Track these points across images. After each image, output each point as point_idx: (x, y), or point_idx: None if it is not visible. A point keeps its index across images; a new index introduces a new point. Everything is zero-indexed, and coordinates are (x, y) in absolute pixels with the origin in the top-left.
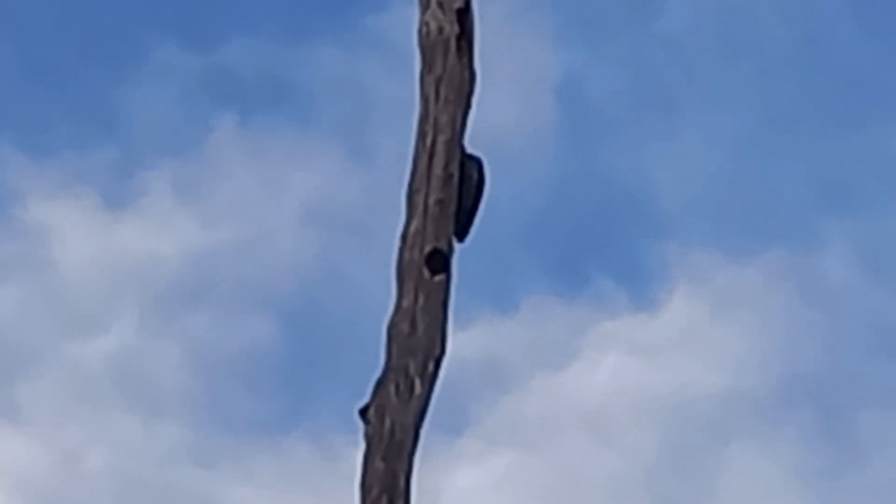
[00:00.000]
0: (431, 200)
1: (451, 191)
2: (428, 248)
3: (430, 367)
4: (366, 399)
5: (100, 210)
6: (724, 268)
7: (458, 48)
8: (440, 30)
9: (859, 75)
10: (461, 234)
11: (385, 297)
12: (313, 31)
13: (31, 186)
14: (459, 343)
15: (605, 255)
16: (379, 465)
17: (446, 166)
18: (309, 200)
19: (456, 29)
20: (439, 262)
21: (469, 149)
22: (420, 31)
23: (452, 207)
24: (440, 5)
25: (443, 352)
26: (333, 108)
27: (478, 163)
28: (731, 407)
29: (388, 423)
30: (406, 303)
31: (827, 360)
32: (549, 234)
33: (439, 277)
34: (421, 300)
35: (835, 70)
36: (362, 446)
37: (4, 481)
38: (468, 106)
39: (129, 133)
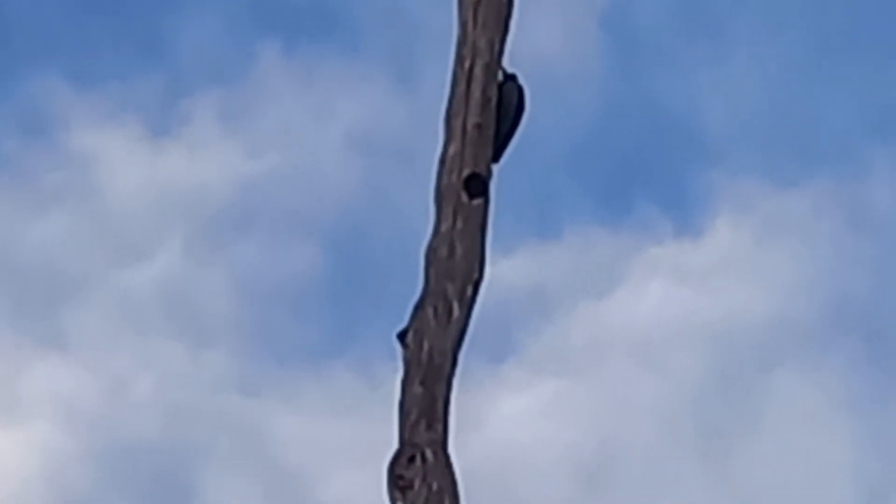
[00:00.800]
0: (470, 124)
1: (489, 115)
2: (466, 172)
3: (469, 291)
4: (404, 323)
5: (146, 138)
6: (771, 195)
7: None
8: None
9: None
10: (495, 156)
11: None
12: None
13: (77, 115)
14: (504, 269)
15: (651, 181)
16: (417, 389)
17: (484, 90)
18: (355, 128)
19: None
20: (478, 185)
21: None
22: None
23: (491, 131)
24: None
25: (481, 276)
26: (379, 35)
27: (518, 87)
28: (778, 333)
29: (426, 347)
30: (444, 227)
31: (874, 287)
32: (594, 161)
33: (478, 201)
34: (459, 224)
35: None
36: (401, 370)
37: (53, 409)
38: (506, 30)
39: (174, 61)
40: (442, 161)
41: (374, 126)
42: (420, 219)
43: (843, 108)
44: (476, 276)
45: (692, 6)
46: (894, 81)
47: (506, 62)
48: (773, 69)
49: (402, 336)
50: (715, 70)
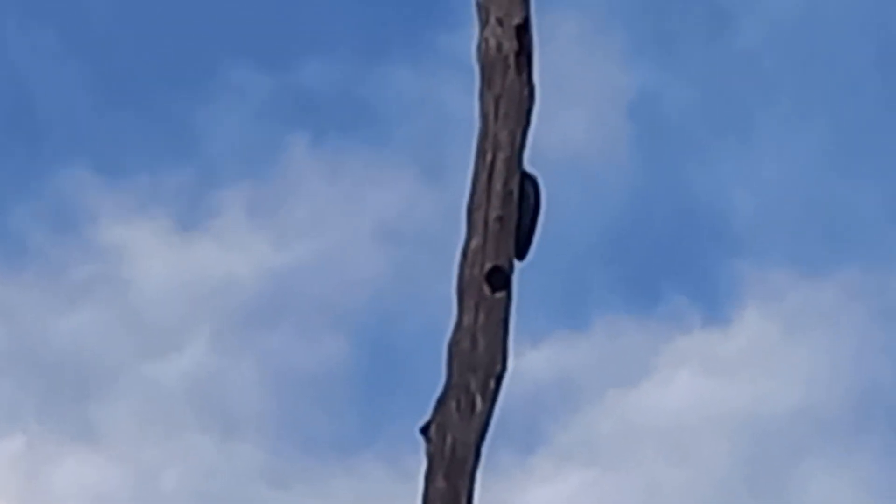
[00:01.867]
0: (491, 217)
1: (511, 208)
2: (488, 266)
3: (491, 384)
4: (427, 417)
5: (175, 231)
6: (798, 285)
7: (518, 65)
8: (499, 47)
9: None
10: (521, 253)
11: None
12: (387, 51)
13: (107, 208)
14: (533, 360)
15: (679, 271)
16: (441, 483)
17: (506, 183)
18: (383, 219)
19: (515, 45)
20: (500, 279)
21: (542, 165)
22: (479, 48)
23: (512, 225)
24: (499, 22)
25: (504, 369)
26: (407, 127)
27: (533, 181)
28: (805, 424)
29: (449, 440)
30: (467, 320)
31: None
32: (623, 251)
33: (500, 294)
34: (482, 317)
35: None
36: (424, 464)
37: (82, 501)
38: (528, 123)
39: (203, 154)
40: (464, 254)
41: (402, 217)
42: (448, 310)
43: (869, 197)
44: (499, 369)
45: (719, 96)
46: None
47: (536, 153)
48: (800, 159)
49: (425, 430)
50: (742, 160)
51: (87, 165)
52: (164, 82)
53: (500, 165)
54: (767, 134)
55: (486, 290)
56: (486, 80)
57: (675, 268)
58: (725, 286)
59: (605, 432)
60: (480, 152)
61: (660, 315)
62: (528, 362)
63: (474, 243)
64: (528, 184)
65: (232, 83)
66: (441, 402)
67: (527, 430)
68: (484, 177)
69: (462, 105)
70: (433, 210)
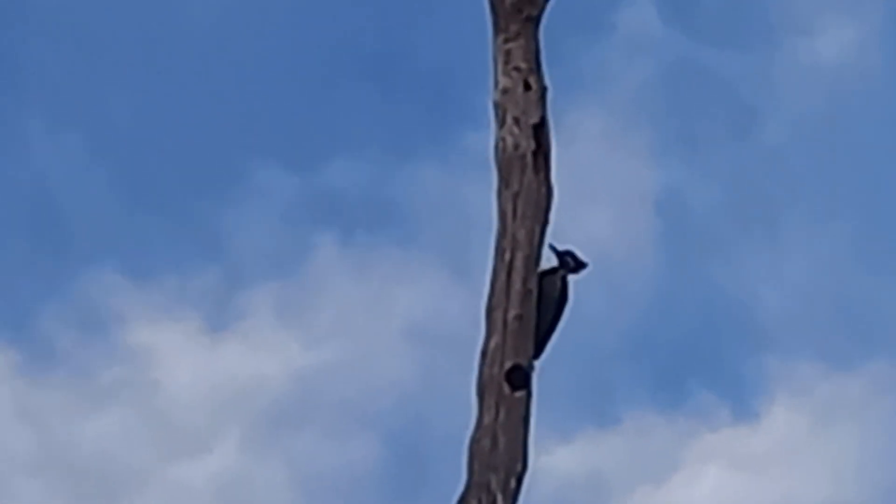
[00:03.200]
0: (510, 316)
1: (529, 306)
2: (508, 365)
3: (512, 483)
4: None
5: (203, 332)
6: (826, 380)
7: (535, 163)
8: (516, 146)
9: None
10: (537, 351)
11: None
12: (413, 150)
13: (135, 310)
14: (561, 457)
15: (706, 368)
16: None
17: (525, 282)
18: (412, 319)
19: (532, 144)
20: (520, 377)
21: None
22: (496, 147)
23: (532, 323)
24: (516, 121)
25: (525, 468)
26: (435, 227)
27: (562, 278)
28: None
29: None
30: (487, 419)
31: None
32: (650, 348)
33: (520, 393)
34: (502, 416)
35: None
36: None
37: None
38: (546, 221)
39: (230, 255)
40: (483, 353)
41: (430, 316)
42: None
43: None
44: (519, 468)
45: (744, 192)
46: None
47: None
48: (826, 255)
49: None
50: (768, 256)
51: (115, 267)
52: (190, 184)
53: (518, 264)
54: (793, 230)
55: (506, 388)
56: (503, 179)
57: (703, 364)
58: (753, 382)
59: None
60: (499, 251)
61: (688, 411)
62: (557, 459)
63: (494, 342)
64: (555, 278)
65: (258, 184)
66: (462, 500)
67: None
68: (503, 276)
69: (488, 203)
70: (461, 309)
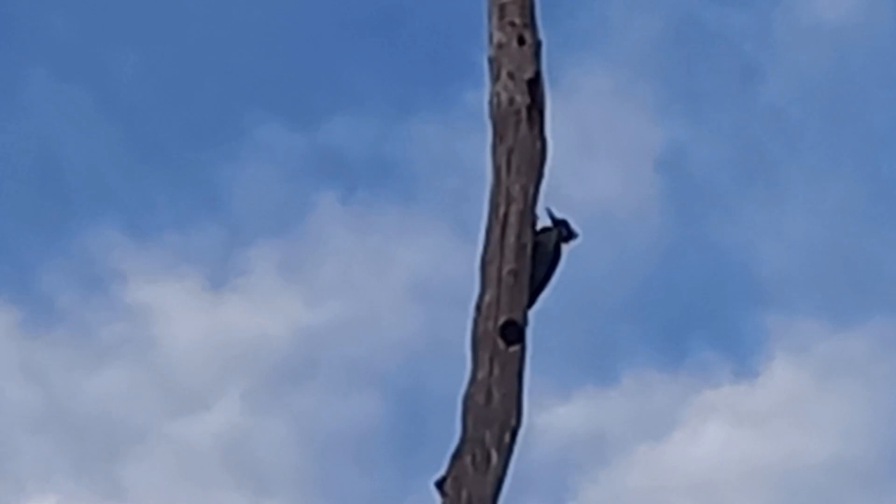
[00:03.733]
0: (505, 271)
1: (524, 261)
2: (502, 319)
3: (507, 438)
4: (443, 471)
5: (204, 290)
6: (828, 337)
7: (530, 118)
8: (511, 100)
9: None
10: (528, 303)
11: None
12: (414, 109)
13: (136, 268)
14: (562, 415)
15: (707, 325)
16: None
17: (519, 237)
18: (414, 276)
19: (527, 99)
20: (514, 332)
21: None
22: (491, 102)
23: (526, 278)
24: (511, 76)
25: (518, 423)
26: (436, 184)
27: (558, 234)
28: (837, 476)
29: (464, 494)
30: (481, 374)
31: None
32: (651, 306)
33: (514, 348)
34: (496, 371)
35: None
36: None
37: None
38: (540, 176)
39: (232, 213)
40: (478, 308)
41: (433, 274)
42: None
43: None
44: (514, 422)
45: (747, 150)
46: None
47: (565, 206)
48: (829, 211)
49: (440, 484)
50: (771, 213)
51: (117, 225)
52: (192, 142)
53: (513, 219)
54: (795, 187)
55: (501, 343)
56: (498, 134)
57: (704, 321)
58: (754, 339)
59: (635, 486)
60: (493, 206)
61: (689, 369)
62: (557, 417)
63: (488, 297)
64: (551, 234)
65: (260, 142)
66: (456, 456)
67: (557, 484)
68: (497, 230)
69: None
70: (463, 266)
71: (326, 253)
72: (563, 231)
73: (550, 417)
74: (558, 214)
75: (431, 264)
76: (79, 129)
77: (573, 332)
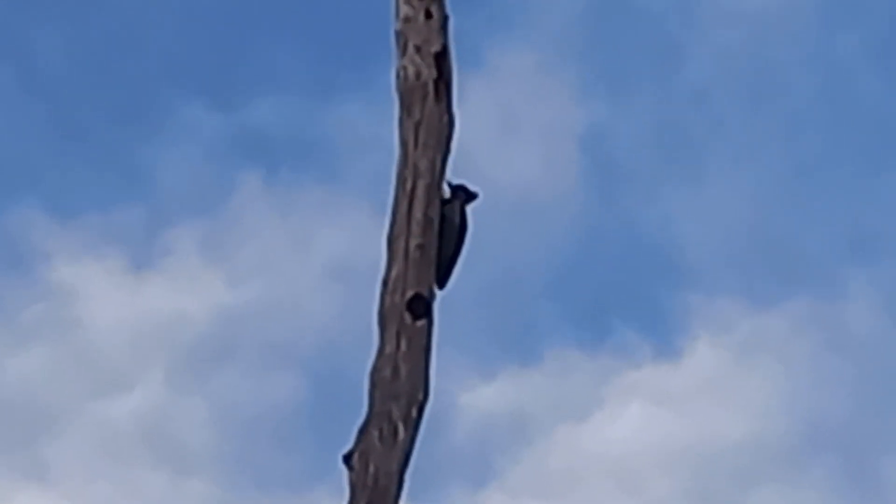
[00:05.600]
0: (412, 245)
1: (431, 235)
2: (409, 294)
3: (413, 412)
4: (349, 445)
5: (126, 270)
6: (748, 317)
7: (437, 92)
8: (417, 74)
9: (883, 124)
10: (441, 281)
11: None
12: (337, 88)
13: (58, 247)
14: (483, 395)
15: (629, 305)
16: None
17: (426, 211)
18: (335, 258)
19: (434, 73)
20: (421, 306)
21: (492, 199)
22: (398, 76)
23: (433, 252)
24: (417, 49)
25: (426, 397)
26: (359, 165)
27: (461, 205)
28: (756, 455)
29: (371, 469)
30: (388, 348)
31: (851, 408)
32: (572, 285)
33: (421, 322)
34: (403, 345)
35: (859, 119)
36: (347, 493)
37: None
38: (448, 150)
39: (154, 193)
40: (385, 283)
41: (354, 254)
42: None
43: (820, 229)
44: (421, 397)
45: (668, 130)
46: (870, 203)
47: (485, 186)
48: (750, 191)
49: (347, 458)
50: (692, 193)
51: (38, 204)
52: (114, 121)
53: (420, 193)
54: (716, 168)
55: (408, 317)
56: (405, 108)
57: (625, 301)
58: (675, 319)
59: (556, 466)
60: (400, 180)
61: (609, 348)
62: (479, 397)
63: (395, 271)
64: (455, 206)
65: (183, 122)
66: (363, 430)
67: (478, 464)
68: (404, 204)
69: None
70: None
71: (248, 233)
72: (462, 195)
73: (472, 397)
74: (453, 181)
75: (353, 245)
76: (1, 107)
77: (495, 312)
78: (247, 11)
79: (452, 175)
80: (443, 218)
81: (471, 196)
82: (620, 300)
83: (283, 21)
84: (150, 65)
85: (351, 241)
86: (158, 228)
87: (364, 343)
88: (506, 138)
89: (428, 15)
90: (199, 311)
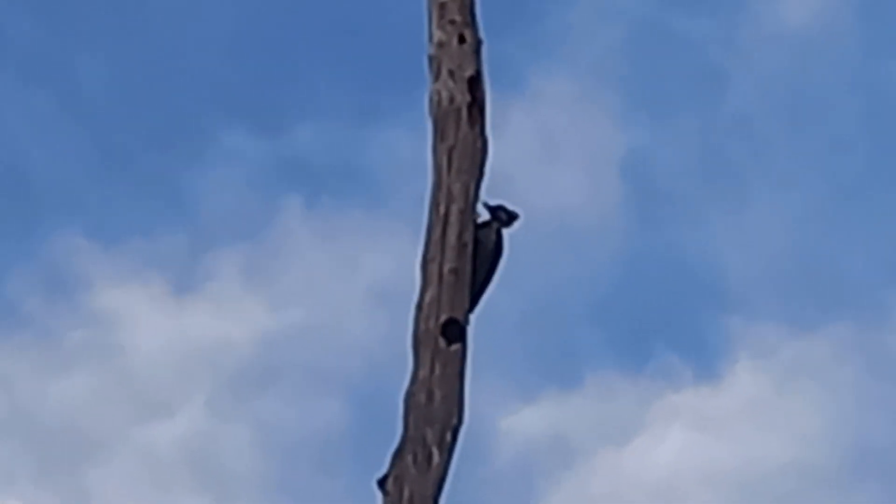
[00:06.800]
0: (446, 270)
1: (465, 260)
2: (443, 318)
3: (448, 436)
4: (384, 470)
5: (169, 295)
6: (790, 341)
7: (470, 117)
8: (451, 99)
9: None
10: (471, 305)
11: None
12: (380, 113)
13: (101, 273)
14: (525, 418)
15: (670, 329)
16: None
17: (460, 235)
18: (378, 282)
19: (467, 98)
20: (455, 331)
21: (534, 225)
22: (431, 101)
23: (467, 277)
24: (451, 74)
25: (460, 421)
26: (401, 189)
27: (497, 230)
28: (799, 480)
29: (406, 493)
30: (423, 373)
31: (894, 433)
32: (614, 310)
33: (455, 347)
34: (437, 370)
35: None
36: None
37: None
38: (481, 175)
39: (197, 218)
40: (419, 307)
41: (396, 278)
42: None
43: (862, 253)
44: (455, 421)
45: (710, 155)
46: None
47: (528, 211)
48: (792, 215)
49: (382, 483)
50: (733, 217)
51: (82, 230)
52: (157, 147)
53: (454, 217)
54: (758, 193)
55: (442, 342)
56: (438, 133)
57: (667, 325)
58: (717, 343)
59: (598, 490)
60: (434, 204)
61: (651, 372)
62: (521, 421)
63: (429, 296)
64: (490, 230)
65: (226, 147)
66: (398, 455)
67: (520, 488)
68: (438, 229)
69: None
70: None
71: (290, 258)
72: (502, 216)
73: (514, 421)
74: (492, 202)
75: (395, 269)
76: (44, 133)
77: (537, 336)
78: (289, 37)
79: (495, 199)
80: (476, 242)
81: (511, 216)
82: (662, 324)
83: (325, 47)
84: (193, 91)
85: (393, 265)
86: (201, 254)
87: (406, 367)
88: (548, 163)
89: (461, 39)
90: (242, 336)
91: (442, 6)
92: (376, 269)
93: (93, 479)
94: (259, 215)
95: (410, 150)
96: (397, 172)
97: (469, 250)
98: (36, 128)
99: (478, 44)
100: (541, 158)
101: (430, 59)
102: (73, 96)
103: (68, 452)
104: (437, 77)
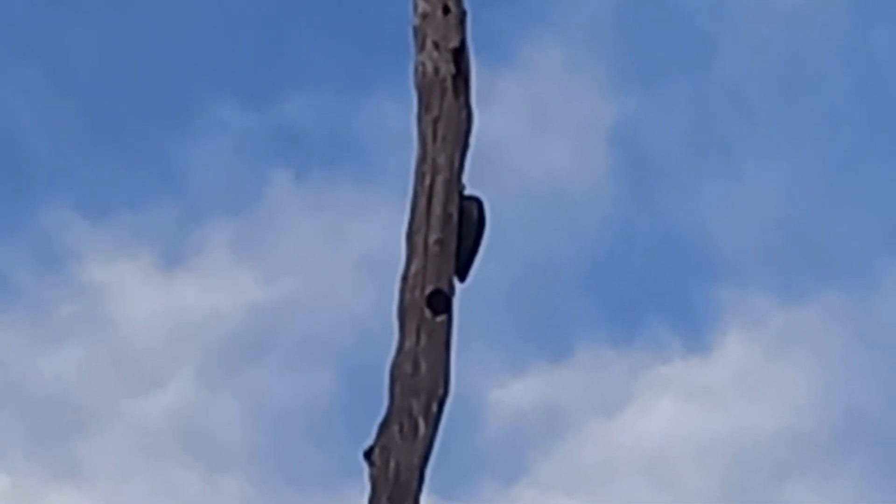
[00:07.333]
0: (431, 241)
1: (450, 231)
2: (429, 289)
3: (434, 407)
4: (370, 441)
5: (158, 268)
6: (781, 310)
7: (455, 88)
8: (436, 70)
9: None
10: (462, 274)
11: None
12: (369, 85)
13: (90, 246)
14: (515, 390)
15: (660, 300)
16: None
17: (445, 206)
18: (367, 253)
19: (452, 69)
20: (440, 302)
21: (524, 194)
22: (416, 72)
23: (452, 247)
24: (436, 45)
25: (446, 392)
26: (390, 160)
27: (478, 202)
28: (789, 448)
29: (392, 464)
30: (408, 344)
31: (885, 400)
32: (604, 280)
33: (441, 318)
34: (423, 341)
35: (892, 114)
36: (368, 488)
37: None
38: (466, 145)
39: (186, 190)
40: (404, 278)
41: (386, 249)
42: None
43: (853, 222)
44: (441, 392)
45: (701, 124)
46: None
47: (517, 181)
48: (783, 185)
49: (368, 454)
50: (724, 187)
51: (71, 203)
52: (147, 119)
53: (439, 188)
54: (749, 162)
55: (428, 313)
56: (423, 104)
57: (656, 296)
58: (707, 313)
59: (588, 461)
60: (419, 176)
61: (641, 343)
62: (511, 392)
63: (414, 267)
64: (472, 205)
65: (215, 119)
66: (384, 425)
67: (509, 459)
68: (423, 200)
69: None
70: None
71: (280, 230)
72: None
73: (504, 392)
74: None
75: (385, 240)
76: (34, 106)
77: (526, 307)
78: (279, 9)
79: (485, 169)
80: (462, 212)
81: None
82: (652, 294)
83: (315, 19)
84: (182, 63)
85: (383, 235)
86: (191, 226)
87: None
88: (537, 133)
89: (446, 10)
90: (232, 307)
91: None
92: (366, 240)
93: (83, 451)
94: (249, 187)
95: (399, 121)
96: (386, 143)
97: (454, 221)
98: (26, 101)
99: (462, 14)
100: (531, 128)
101: (415, 29)
102: (63, 69)
103: (59, 424)
104: (421, 48)
